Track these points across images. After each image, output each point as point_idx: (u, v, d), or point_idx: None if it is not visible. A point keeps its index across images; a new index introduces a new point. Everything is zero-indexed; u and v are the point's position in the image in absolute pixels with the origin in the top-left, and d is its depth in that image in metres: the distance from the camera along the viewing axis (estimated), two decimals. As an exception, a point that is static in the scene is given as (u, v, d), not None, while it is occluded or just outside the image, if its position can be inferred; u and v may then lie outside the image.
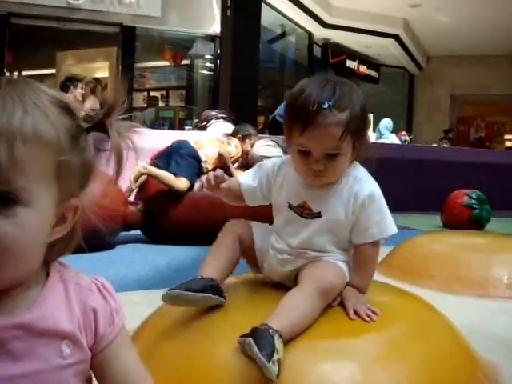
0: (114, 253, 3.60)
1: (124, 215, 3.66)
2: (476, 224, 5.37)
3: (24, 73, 10.42)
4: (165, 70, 11.63)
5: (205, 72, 11.57)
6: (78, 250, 0.79)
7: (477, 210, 5.50)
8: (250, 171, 1.57)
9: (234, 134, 4.57)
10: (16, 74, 9.53)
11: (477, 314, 2.21)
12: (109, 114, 0.74)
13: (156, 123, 10.05)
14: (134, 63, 10.25)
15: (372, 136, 8.89)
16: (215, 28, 10.18)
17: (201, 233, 2.81)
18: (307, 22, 12.64)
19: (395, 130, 10.39)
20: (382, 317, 1.31)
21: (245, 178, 1.54)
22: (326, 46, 14.17)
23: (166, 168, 3.86)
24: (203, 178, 1.47)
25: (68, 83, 6.13)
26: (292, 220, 1.46)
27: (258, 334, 1.13)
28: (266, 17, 10.61)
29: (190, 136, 4.52)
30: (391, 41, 14.25)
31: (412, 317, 1.44)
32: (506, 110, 12.36)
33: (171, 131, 7.42)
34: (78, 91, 6.06)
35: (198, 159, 4.06)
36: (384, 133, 9.15)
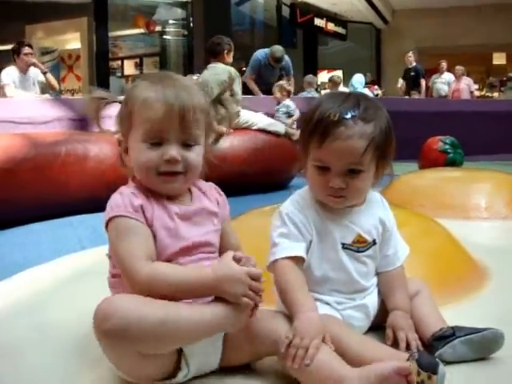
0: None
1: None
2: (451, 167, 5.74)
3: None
4: (138, 37, 11.67)
5: (177, 38, 11.68)
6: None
7: (451, 155, 5.87)
8: (284, 237, 1.25)
9: None
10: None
11: (464, 232, 2.55)
12: (223, 92, 1.32)
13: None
14: (108, 32, 10.30)
15: (346, 91, 9.20)
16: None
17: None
18: (274, -18, 12.78)
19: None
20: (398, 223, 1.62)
21: (292, 253, 1.23)
22: (294, 5, 14.28)
23: None
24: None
25: None
26: (345, 262, 1.28)
27: (460, 329, 1.21)
28: (235, -21, 10.74)
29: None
30: (357, -4, 14.44)
31: (419, 223, 1.80)
32: (472, 60, 12.77)
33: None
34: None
35: None
36: (357, 87, 9.47)
